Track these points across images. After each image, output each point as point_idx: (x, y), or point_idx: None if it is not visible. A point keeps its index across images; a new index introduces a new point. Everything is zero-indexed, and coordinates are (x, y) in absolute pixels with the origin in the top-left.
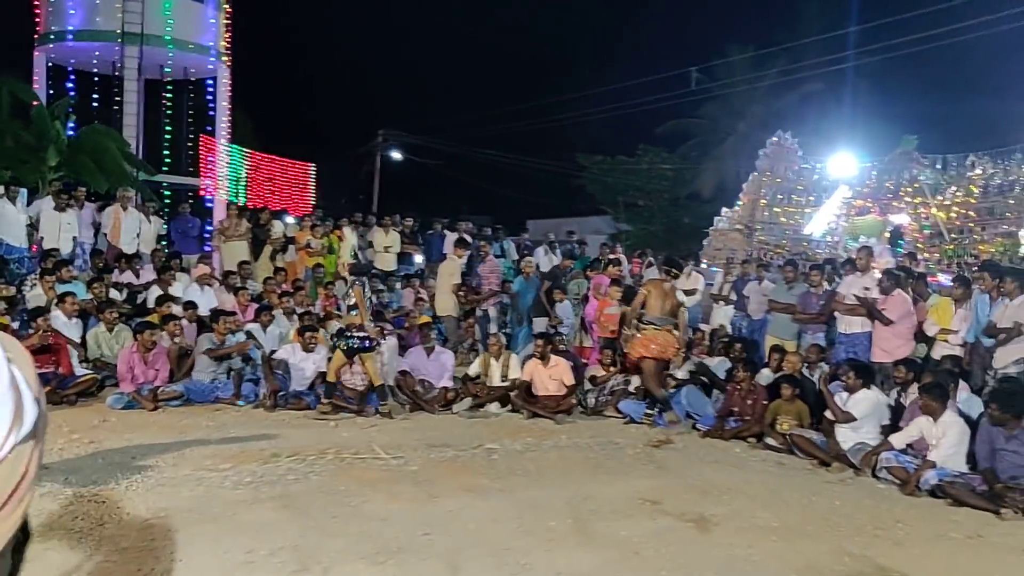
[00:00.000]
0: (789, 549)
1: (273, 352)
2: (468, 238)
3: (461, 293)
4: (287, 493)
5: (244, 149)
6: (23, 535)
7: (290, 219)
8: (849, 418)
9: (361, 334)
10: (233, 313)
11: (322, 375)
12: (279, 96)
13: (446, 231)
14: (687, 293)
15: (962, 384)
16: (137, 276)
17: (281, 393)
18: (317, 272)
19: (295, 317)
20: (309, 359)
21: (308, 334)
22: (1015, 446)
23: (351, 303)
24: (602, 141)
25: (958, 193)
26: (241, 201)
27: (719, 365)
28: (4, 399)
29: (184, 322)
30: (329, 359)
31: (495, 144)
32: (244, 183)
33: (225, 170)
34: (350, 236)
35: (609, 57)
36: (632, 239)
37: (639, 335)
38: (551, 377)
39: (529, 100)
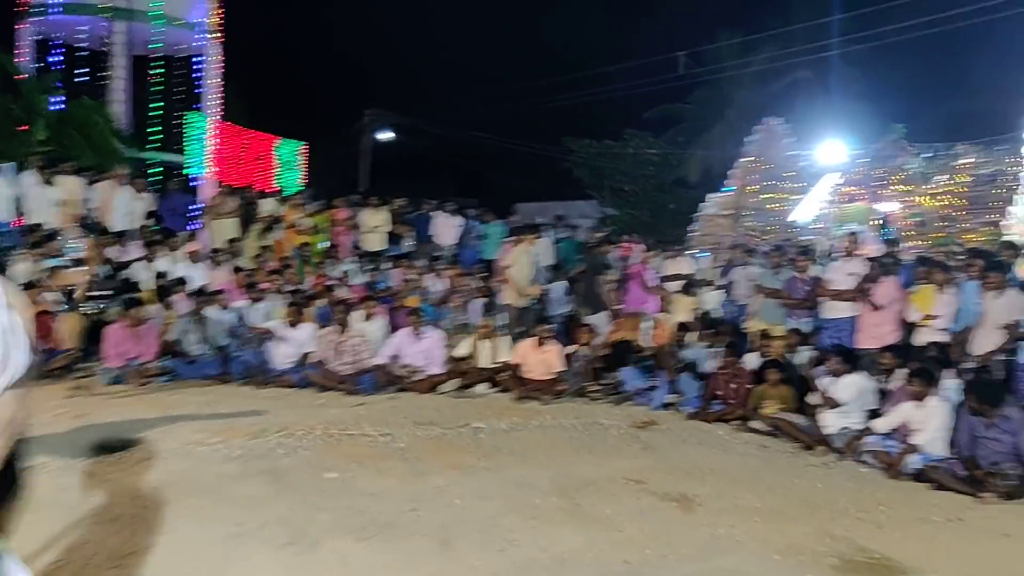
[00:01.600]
0: (771, 530)
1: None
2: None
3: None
4: (276, 468)
5: (208, 117)
6: (15, 487)
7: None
8: (835, 403)
9: None
10: (222, 291)
11: (307, 354)
12: (271, 74)
13: (435, 212)
14: (675, 278)
15: (948, 371)
16: (123, 252)
17: (264, 370)
18: (304, 251)
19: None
20: (296, 335)
21: (292, 307)
22: (995, 433)
23: None
24: (590, 125)
25: (946, 182)
26: (202, 172)
27: (702, 353)
28: None
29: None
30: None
31: (484, 127)
32: (208, 154)
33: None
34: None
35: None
36: (619, 224)
37: None
38: (543, 361)
39: (518, 83)
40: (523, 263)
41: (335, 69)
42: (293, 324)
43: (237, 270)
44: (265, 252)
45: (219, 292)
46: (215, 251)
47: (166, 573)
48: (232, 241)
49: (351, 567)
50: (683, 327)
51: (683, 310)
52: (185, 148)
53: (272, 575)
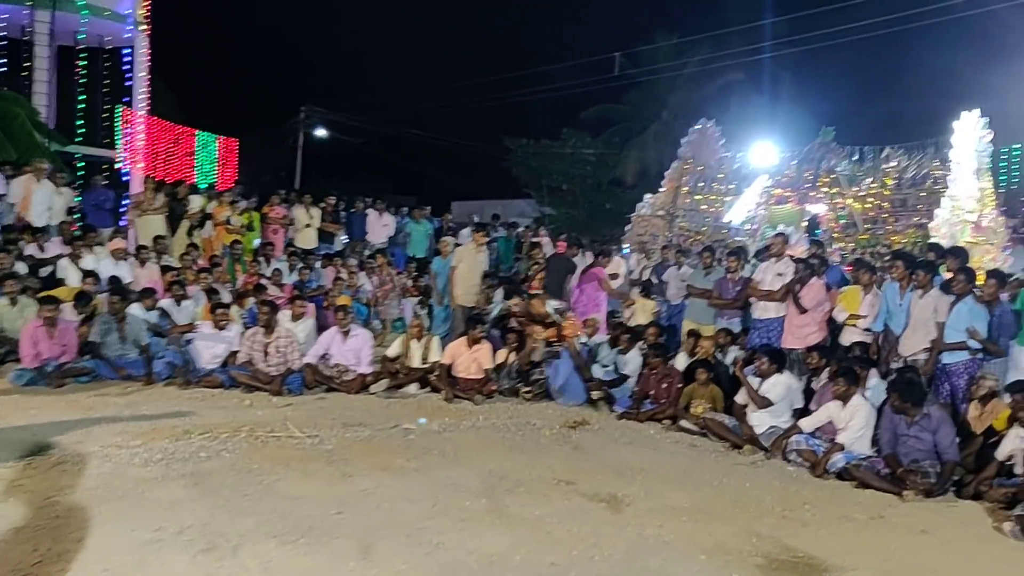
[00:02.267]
0: (699, 529)
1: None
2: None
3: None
4: (198, 471)
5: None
6: None
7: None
8: (767, 403)
9: None
10: (152, 290)
11: (234, 354)
12: (203, 69)
13: (369, 210)
14: (610, 277)
15: (872, 371)
16: (42, 249)
17: (189, 371)
18: (235, 249)
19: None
20: (219, 336)
21: (219, 311)
22: (916, 432)
23: None
24: (528, 124)
25: (873, 184)
26: (129, 167)
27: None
28: None
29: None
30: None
31: (422, 125)
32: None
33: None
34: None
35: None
36: (556, 223)
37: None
38: (474, 360)
39: (456, 81)
40: (471, 263)
41: (269, 65)
42: (218, 324)
43: (164, 268)
44: (193, 250)
45: (145, 291)
46: (141, 248)
47: None
48: (159, 238)
49: (273, 572)
50: (618, 327)
51: (644, 313)
52: (112, 143)
53: None
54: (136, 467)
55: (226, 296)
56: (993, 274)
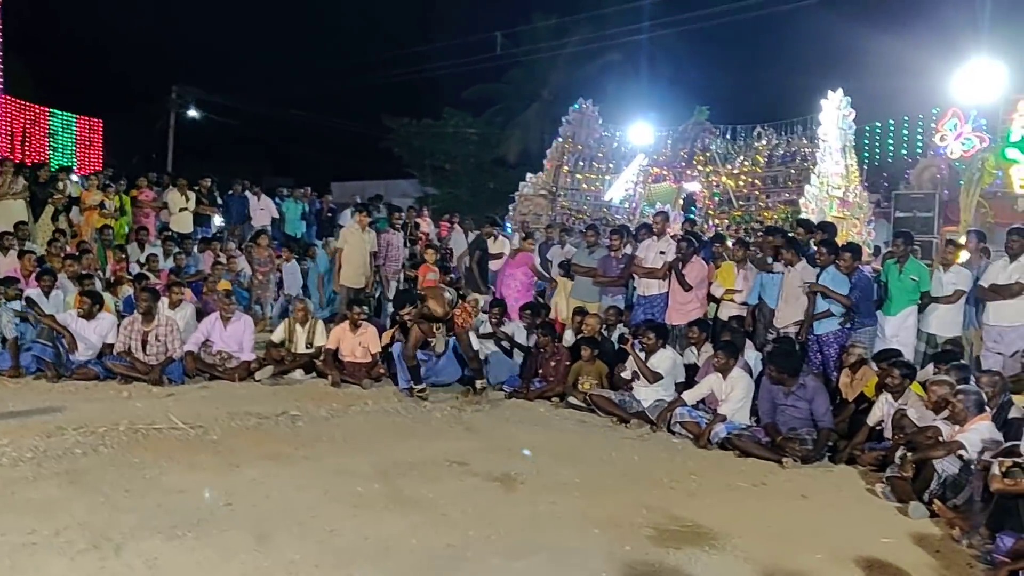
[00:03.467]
0: (591, 504)
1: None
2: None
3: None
4: (74, 468)
5: None
6: None
7: (74, 177)
8: (658, 377)
9: None
10: (16, 280)
11: (109, 346)
12: (62, 45)
13: (247, 192)
14: (494, 257)
15: (748, 343)
16: None
17: (61, 364)
18: (105, 234)
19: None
20: (91, 327)
21: (87, 300)
22: (793, 401)
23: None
24: (409, 104)
25: (745, 163)
26: None
27: (518, 329)
28: None
29: None
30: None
31: (300, 105)
32: None
33: None
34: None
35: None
36: (438, 203)
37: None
38: (360, 344)
39: (334, 60)
40: (356, 244)
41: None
42: (87, 315)
43: (22, 255)
44: (59, 236)
45: (7, 280)
46: (1, 235)
47: None
48: (20, 224)
49: (161, 569)
50: (494, 304)
51: (565, 293)
52: None
53: None
54: (5, 467)
55: (98, 284)
56: (849, 247)
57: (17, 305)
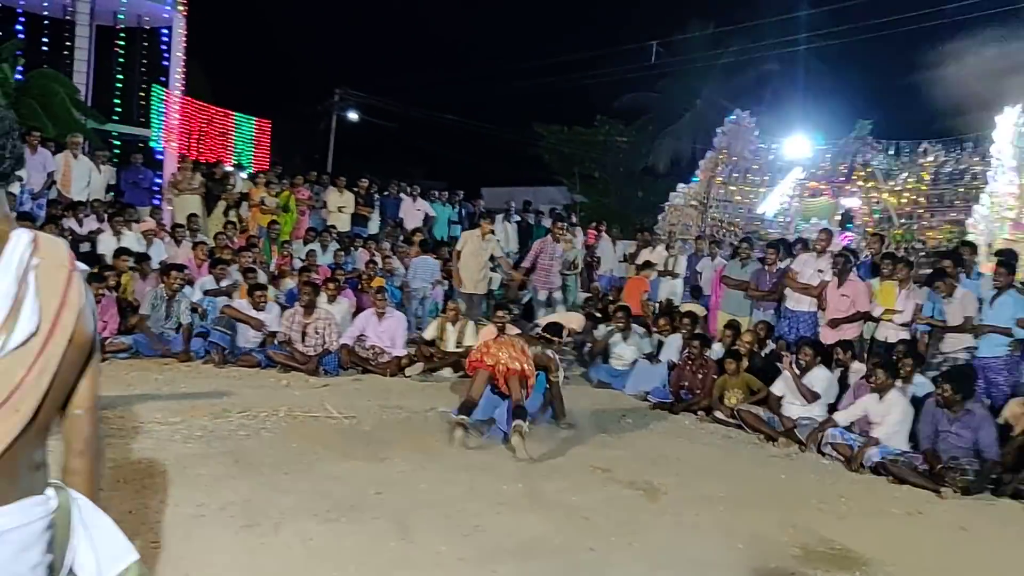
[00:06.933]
0: (736, 519)
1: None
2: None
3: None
4: (238, 449)
5: (164, 89)
6: None
7: (243, 174)
8: (815, 396)
9: None
10: (184, 267)
11: (272, 334)
12: (236, 50)
13: (402, 194)
14: (647, 266)
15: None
16: (80, 224)
17: (228, 350)
18: (272, 229)
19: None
20: (260, 316)
21: (257, 293)
22: (957, 428)
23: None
24: (560, 111)
25: (909, 179)
26: (158, 145)
27: (672, 341)
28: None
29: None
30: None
31: (452, 109)
32: (171, 129)
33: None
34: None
35: (570, 26)
36: (586, 211)
37: None
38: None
39: (489, 66)
40: (473, 250)
41: (303, 47)
42: (257, 305)
43: (196, 246)
44: (228, 229)
45: (180, 267)
46: (176, 227)
47: None
48: (193, 217)
49: (314, 549)
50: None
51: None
52: (149, 122)
53: (234, 557)
54: (177, 443)
55: (262, 277)
56: None
57: (189, 291)
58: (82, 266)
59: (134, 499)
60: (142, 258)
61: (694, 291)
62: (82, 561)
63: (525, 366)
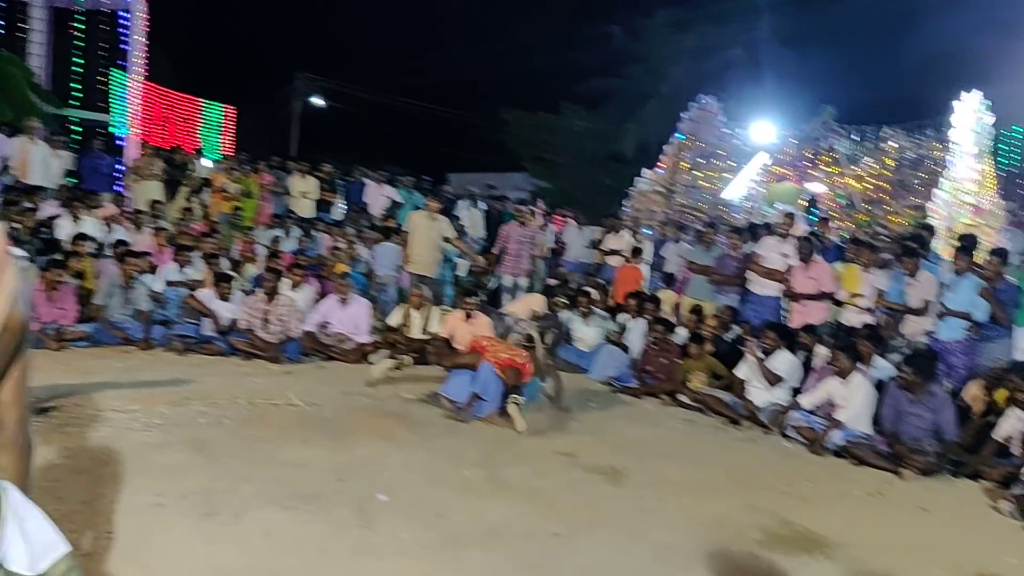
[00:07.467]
0: (698, 503)
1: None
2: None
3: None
4: (198, 437)
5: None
6: None
7: (207, 162)
8: (778, 379)
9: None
10: (147, 253)
11: (233, 321)
12: (200, 35)
13: (367, 180)
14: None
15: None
16: (37, 209)
17: (192, 338)
18: (235, 216)
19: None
20: (225, 307)
21: (223, 284)
22: (918, 410)
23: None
24: (524, 96)
25: (872, 165)
26: (125, 132)
27: (636, 325)
28: None
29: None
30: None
31: (416, 94)
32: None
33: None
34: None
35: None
36: (552, 197)
37: None
38: (472, 333)
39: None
40: (422, 230)
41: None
42: (223, 295)
43: (158, 232)
44: (188, 215)
45: (143, 255)
46: (137, 213)
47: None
48: (155, 203)
49: (275, 538)
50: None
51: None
52: (109, 107)
53: (194, 546)
54: (136, 431)
55: (224, 263)
56: (996, 252)
57: (150, 279)
58: (18, 251)
59: (90, 488)
60: (121, 244)
61: (666, 278)
62: (13, 554)
63: (519, 360)
